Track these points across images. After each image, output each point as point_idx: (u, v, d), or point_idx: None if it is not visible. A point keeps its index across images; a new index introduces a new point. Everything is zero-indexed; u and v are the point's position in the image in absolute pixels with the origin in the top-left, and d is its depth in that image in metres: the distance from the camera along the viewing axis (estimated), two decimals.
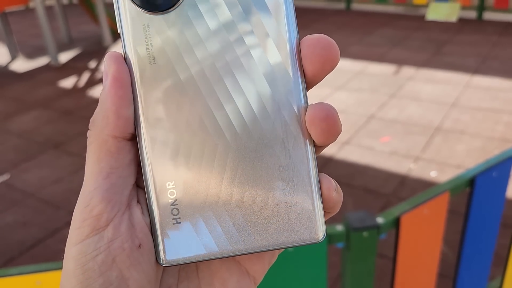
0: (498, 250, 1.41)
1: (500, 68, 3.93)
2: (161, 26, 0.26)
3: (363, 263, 1.04)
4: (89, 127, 0.27)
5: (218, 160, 0.26)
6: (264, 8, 0.26)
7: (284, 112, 0.26)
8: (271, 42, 0.26)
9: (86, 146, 0.26)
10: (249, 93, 0.26)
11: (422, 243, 1.18)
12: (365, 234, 0.99)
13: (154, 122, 0.26)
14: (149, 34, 0.26)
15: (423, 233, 1.16)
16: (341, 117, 3.20)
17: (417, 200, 1.09)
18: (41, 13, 4.63)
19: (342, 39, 5.20)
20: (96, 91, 4.03)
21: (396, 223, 1.05)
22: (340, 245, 1.02)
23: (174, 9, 0.26)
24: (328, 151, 2.71)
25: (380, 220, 1.02)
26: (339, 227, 1.00)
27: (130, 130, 0.26)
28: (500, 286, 1.43)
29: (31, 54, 5.43)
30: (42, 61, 5.11)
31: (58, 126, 3.35)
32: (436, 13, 5.63)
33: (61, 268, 0.89)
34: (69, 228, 0.26)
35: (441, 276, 1.34)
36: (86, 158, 0.26)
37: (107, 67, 0.26)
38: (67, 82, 4.37)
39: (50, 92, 4.13)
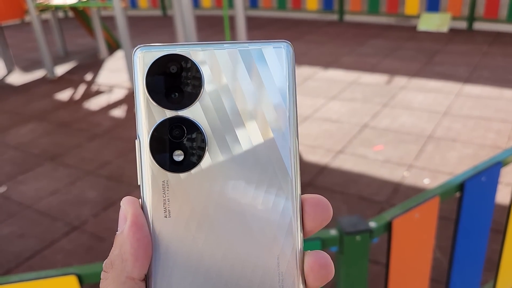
0: (490, 255, 1.43)
1: (490, 77, 4.00)
2: (179, 183, 0.28)
3: (356, 267, 1.07)
4: (105, 269, 0.28)
5: None
6: (276, 165, 0.28)
7: (283, 261, 0.29)
8: (281, 198, 0.29)
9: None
10: (256, 252, 0.28)
11: (414, 247, 1.20)
12: (357, 238, 1.02)
13: (166, 271, 0.28)
14: (167, 190, 0.28)
15: (415, 237, 1.18)
16: (335, 126, 3.24)
17: (408, 205, 1.11)
18: (37, 26, 4.66)
19: (334, 50, 5.27)
20: (92, 103, 4.06)
21: (388, 227, 1.08)
22: (333, 249, 1.04)
23: (193, 169, 0.28)
24: (322, 160, 2.75)
25: (372, 224, 1.04)
26: (333, 231, 1.03)
27: (146, 271, 0.27)
28: None
29: (27, 67, 5.45)
30: (38, 74, 5.14)
31: (54, 138, 3.36)
32: (427, 23, 5.71)
33: (60, 275, 0.91)
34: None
35: (433, 281, 1.36)
36: None
37: (124, 210, 0.28)
38: (63, 95, 4.39)
39: (46, 104, 4.15)
